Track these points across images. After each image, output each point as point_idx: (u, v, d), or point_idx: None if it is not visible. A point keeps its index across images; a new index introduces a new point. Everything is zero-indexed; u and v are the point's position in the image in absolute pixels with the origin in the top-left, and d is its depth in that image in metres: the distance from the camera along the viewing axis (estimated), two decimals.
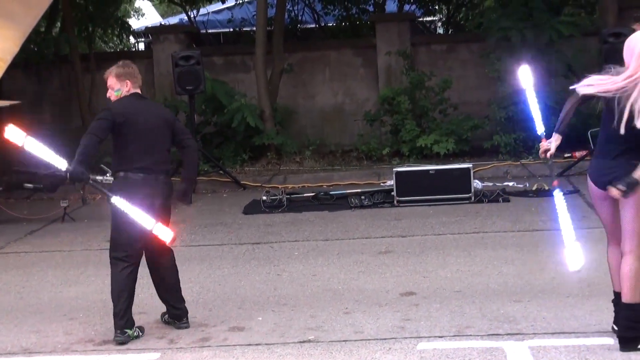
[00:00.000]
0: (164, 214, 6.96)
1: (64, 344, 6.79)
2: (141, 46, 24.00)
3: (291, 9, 19.49)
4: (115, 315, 6.76)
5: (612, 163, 5.91)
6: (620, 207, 5.94)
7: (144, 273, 7.31)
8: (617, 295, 6.19)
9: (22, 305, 7.94)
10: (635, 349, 5.94)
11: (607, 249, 6.28)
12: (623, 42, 6.17)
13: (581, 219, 10.03)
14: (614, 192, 5.74)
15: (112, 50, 22.26)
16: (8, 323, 7.37)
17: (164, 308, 7.16)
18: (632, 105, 5.73)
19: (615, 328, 6.26)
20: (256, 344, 6.54)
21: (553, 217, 10.27)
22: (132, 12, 22.30)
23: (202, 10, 20.56)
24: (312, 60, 17.08)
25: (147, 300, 7.70)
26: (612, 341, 6.14)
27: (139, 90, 7.09)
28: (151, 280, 7.17)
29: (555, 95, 14.18)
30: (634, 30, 12.15)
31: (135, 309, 7.53)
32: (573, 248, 6.09)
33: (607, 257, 6.28)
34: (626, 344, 5.96)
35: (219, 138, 15.51)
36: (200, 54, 13.88)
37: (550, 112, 14.10)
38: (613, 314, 6.40)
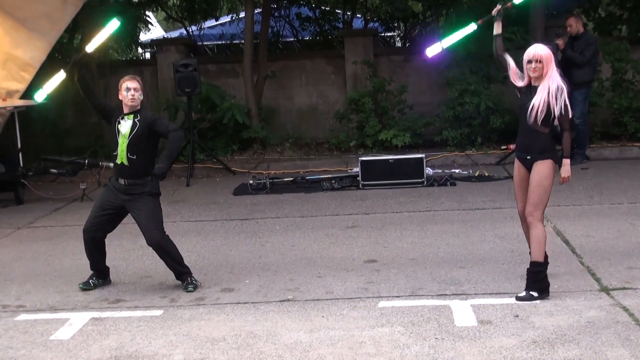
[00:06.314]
0: None
1: (83, 302, 6.75)
2: (147, 55, 23.80)
3: (274, 25, 19.35)
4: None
5: None
6: None
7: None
8: None
9: (49, 270, 7.88)
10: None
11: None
12: None
13: (514, 200, 10.09)
14: None
15: (124, 59, 22.00)
16: (37, 285, 7.32)
17: (166, 272, 7.12)
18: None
19: None
20: (244, 302, 6.53)
21: (492, 198, 10.40)
22: (140, 27, 22.05)
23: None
24: (291, 68, 16.96)
25: (152, 265, 7.68)
26: (537, 300, 6.20)
27: None
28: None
29: (493, 97, 14.19)
30: (556, 44, 12.23)
31: (141, 273, 7.56)
32: (438, 45, 6.40)
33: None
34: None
35: (212, 132, 15.39)
36: (197, 62, 13.74)
37: (490, 112, 14.19)
38: None
